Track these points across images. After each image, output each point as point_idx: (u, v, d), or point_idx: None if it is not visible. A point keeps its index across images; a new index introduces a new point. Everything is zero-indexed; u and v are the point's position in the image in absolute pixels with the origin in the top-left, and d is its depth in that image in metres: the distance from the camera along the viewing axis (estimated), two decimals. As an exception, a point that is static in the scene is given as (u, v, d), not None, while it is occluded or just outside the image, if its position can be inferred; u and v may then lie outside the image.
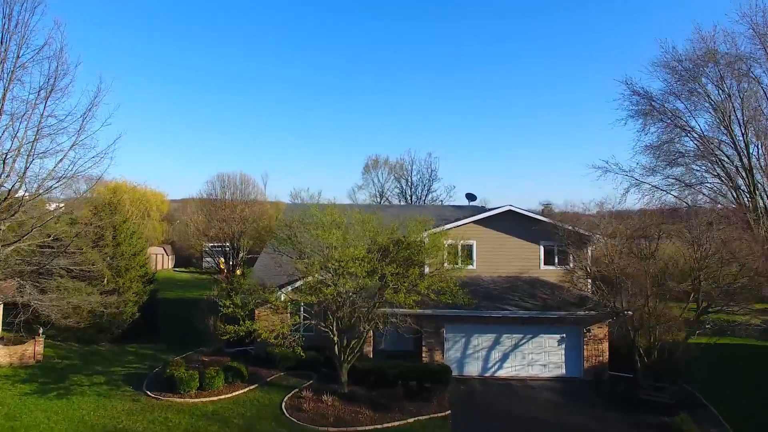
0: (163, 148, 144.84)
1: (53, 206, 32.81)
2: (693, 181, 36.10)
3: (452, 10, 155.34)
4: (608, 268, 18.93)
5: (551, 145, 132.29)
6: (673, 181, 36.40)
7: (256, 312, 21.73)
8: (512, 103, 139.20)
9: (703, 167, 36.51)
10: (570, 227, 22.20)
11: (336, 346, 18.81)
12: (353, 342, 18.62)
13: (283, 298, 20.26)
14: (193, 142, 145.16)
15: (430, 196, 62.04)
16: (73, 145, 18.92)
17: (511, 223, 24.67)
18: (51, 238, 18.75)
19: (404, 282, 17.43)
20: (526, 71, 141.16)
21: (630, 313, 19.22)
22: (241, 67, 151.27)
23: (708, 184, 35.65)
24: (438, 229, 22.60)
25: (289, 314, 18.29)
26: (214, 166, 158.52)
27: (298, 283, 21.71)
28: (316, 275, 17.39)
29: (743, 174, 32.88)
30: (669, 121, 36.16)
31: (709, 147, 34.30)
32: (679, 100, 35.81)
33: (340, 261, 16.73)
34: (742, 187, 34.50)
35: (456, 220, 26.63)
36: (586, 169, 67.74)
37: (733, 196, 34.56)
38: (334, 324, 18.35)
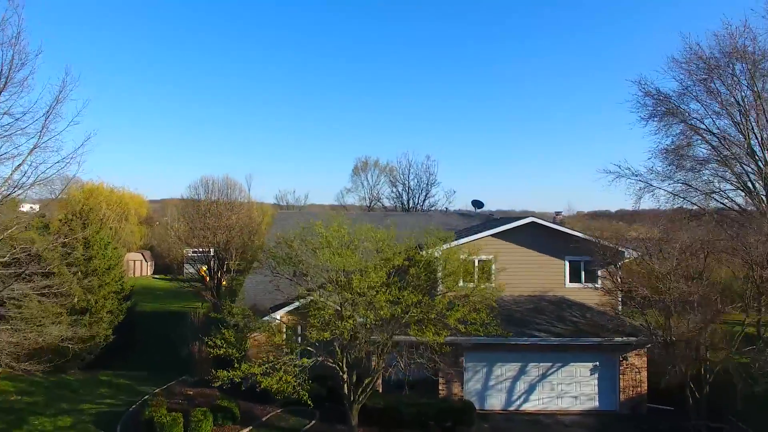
0: (144, 147, 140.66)
1: (27, 207, 29.47)
2: (710, 187, 33.98)
3: (452, 10, 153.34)
4: (660, 291, 16.44)
5: (551, 146, 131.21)
6: (688, 186, 34.20)
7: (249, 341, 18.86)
8: (512, 105, 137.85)
9: (717, 172, 34.48)
10: (608, 243, 19.68)
11: (345, 384, 16.06)
12: (366, 380, 15.86)
13: (279, 320, 17.57)
14: (176, 140, 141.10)
15: (427, 201, 59.28)
16: (33, 148, 16.01)
17: (533, 236, 22.10)
18: (4, 259, 15.69)
19: (431, 313, 14.74)
20: (527, 71, 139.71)
21: (682, 342, 16.84)
22: (236, 67, 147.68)
23: (726, 191, 33.56)
24: (464, 241, 20.12)
25: (294, 352, 15.37)
26: (196, 164, 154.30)
27: (295, 304, 19.03)
28: (330, 306, 14.65)
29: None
30: (685, 123, 33.99)
31: (730, 151, 32.20)
32: (697, 101, 33.62)
33: (359, 290, 13.96)
34: (761, 193, 32.51)
35: (467, 230, 24.21)
36: (597, 174, 65.56)
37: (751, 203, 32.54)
38: (344, 360, 15.61)
